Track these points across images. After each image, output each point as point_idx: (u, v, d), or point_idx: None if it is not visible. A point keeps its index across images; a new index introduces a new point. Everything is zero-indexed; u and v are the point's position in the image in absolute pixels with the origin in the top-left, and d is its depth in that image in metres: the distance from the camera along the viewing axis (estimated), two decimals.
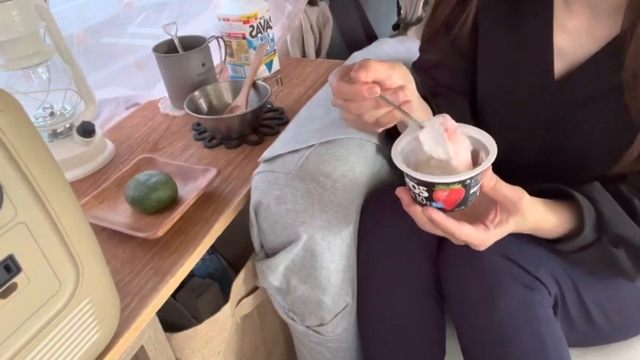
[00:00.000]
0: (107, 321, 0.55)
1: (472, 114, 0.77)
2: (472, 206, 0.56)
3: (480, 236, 0.57)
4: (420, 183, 0.53)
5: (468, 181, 0.52)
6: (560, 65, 0.67)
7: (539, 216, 0.60)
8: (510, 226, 0.58)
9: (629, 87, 0.60)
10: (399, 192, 0.58)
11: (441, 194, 0.53)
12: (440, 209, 0.55)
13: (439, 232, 0.58)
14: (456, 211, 0.55)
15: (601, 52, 0.63)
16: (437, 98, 0.76)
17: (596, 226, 0.61)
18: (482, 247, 0.58)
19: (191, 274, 1.00)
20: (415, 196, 0.56)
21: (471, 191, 0.53)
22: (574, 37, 0.65)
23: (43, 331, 0.48)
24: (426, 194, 0.54)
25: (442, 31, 0.76)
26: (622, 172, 0.64)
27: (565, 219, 0.62)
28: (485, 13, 0.71)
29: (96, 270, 0.52)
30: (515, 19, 0.69)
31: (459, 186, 0.52)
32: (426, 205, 0.55)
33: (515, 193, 0.56)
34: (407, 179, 0.55)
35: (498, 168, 0.56)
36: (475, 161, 0.56)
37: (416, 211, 0.57)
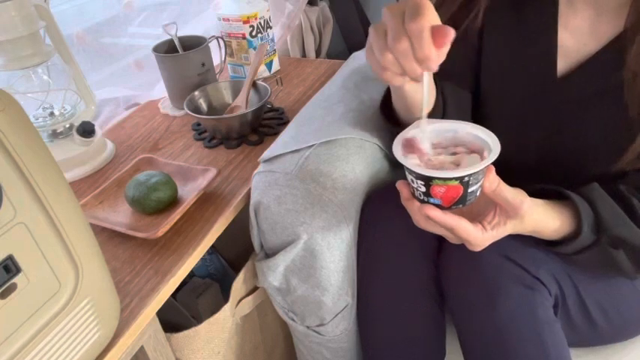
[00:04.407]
0: (107, 321, 0.55)
1: (474, 111, 0.77)
2: (470, 205, 0.56)
3: (478, 235, 0.56)
4: (418, 177, 0.53)
5: (467, 179, 0.52)
6: (563, 63, 0.67)
7: (538, 219, 0.59)
8: (508, 229, 0.58)
9: (629, 85, 0.60)
10: (399, 185, 0.58)
11: (438, 190, 0.53)
12: (437, 206, 0.54)
13: (435, 230, 0.58)
14: (454, 209, 0.55)
15: (603, 51, 0.63)
16: (444, 82, 0.75)
17: (594, 227, 0.61)
18: (478, 248, 0.58)
19: (191, 274, 1.00)
20: (414, 191, 0.56)
21: (470, 190, 0.53)
22: (577, 36, 0.65)
23: (43, 332, 0.48)
24: (423, 189, 0.54)
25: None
26: (622, 171, 0.64)
27: (564, 221, 0.61)
28: (491, 10, 0.71)
29: (96, 270, 0.52)
30: (520, 16, 0.69)
31: (456, 182, 0.52)
32: (423, 200, 0.55)
33: (516, 197, 0.55)
34: (406, 173, 0.55)
35: (499, 166, 0.55)
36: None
37: (413, 207, 0.57)
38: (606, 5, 0.62)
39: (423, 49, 0.46)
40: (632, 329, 0.75)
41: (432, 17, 0.46)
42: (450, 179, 0.51)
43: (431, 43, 0.46)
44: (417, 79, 0.49)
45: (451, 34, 0.47)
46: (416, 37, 0.46)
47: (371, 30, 0.51)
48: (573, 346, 0.69)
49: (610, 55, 0.62)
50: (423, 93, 0.54)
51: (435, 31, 0.46)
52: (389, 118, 0.74)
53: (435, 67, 0.48)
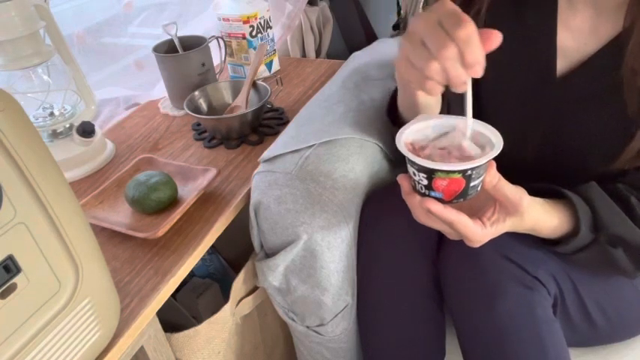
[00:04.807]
0: (107, 321, 0.55)
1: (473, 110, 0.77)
2: (470, 200, 0.56)
3: (477, 231, 0.56)
4: (421, 169, 0.53)
5: (469, 172, 0.51)
6: (563, 63, 0.67)
7: (537, 217, 0.59)
8: (507, 226, 0.58)
9: (628, 84, 0.60)
10: (400, 179, 0.58)
11: (440, 183, 0.53)
12: (438, 199, 0.54)
13: (435, 225, 0.58)
14: (454, 204, 0.55)
15: (603, 50, 0.63)
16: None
17: (592, 226, 0.61)
18: (477, 244, 0.58)
19: (191, 274, 1.00)
20: (415, 184, 0.56)
21: (472, 184, 0.53)
22: (577, 36, 0.65)
23: (43, 332, 0.48)
24: (425, 182, 0.53)
25: None
26: (621, 169, 0.64)
27: (562, 220, 0.62)
28: (491, 9, 0.71)
29: (96, 270, 0.52)
30: (519, 16, 0.69)
31: (459, 176, 0.52)
32: (424, 194, 0.55)
33: (516, 193, 0.55)
34: (408, 165, 0.55)
35: (499, 165, 0.55)
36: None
37: (413, 200, 0.57)
38: (606, 5, 0.62)
39: (475, 54, 0.46)
40: (632, 329, 0.75)
41: (473, 23, 0.46)
42: (453, 172, 0.51)
43: (481, 47, 0.46)
44: (459, 88, 0.49)
45: (499, 36, 0.47)
46: (465, 43, 0.46)
47: (404, 42, 0.50)
48: (572, 346, 0.69)
49: (610, 55, 0.62)
50: (466, 100, 0.53)
51: (482, 35, 0.47)
52: (395, 123, 0.74)
53: (482, 72, 0.48)
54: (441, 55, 0.46)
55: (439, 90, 0.51)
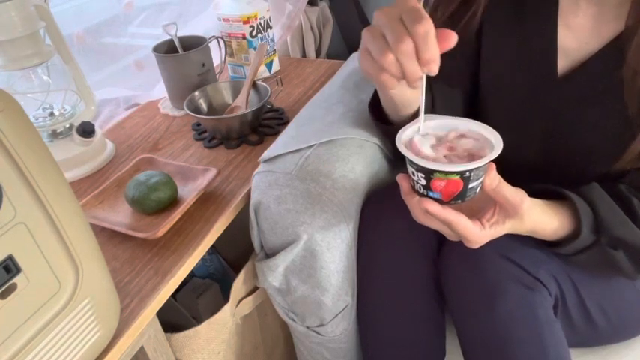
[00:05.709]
0: (107, 321, 0.55)
1: (467, 111, 0.77)
2: (469, 202, 0.56)
3: (475, 232, 0.56)
4: (419, 169, 0.53)
5: (467, 174, 0.52)
6: (564, 63, 0.67)
7: (537, 219, 0.59)
8: (506, 228, 0.58)
9: (629, 84, 0.60)
10: (399, 179, 0.58)
11: (438, 184, 0.53)
12: (436, 200, 0.54)
13: (433, 225, 0.58)
14: (452, 205, 0.55)
15: (604, 50, 0.63)
16: (432, 82, 0.74)
17: (593, 228, 0.61)
18: (475, 245, 0.58)
19: (191, 274, 1.00)
20: (414, 184, 0.56)
21: (470, 186, 0.53)
22: (579, 35, 0.65)
23: (43, 332, 0.48)
24: (423, 182, 0.54)
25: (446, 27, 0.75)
26: (622, 170, 0.64)
27: (563, 222, 0.61)
28: (490, 9, 0.71)
29: (96, 270, 0.52)
30: (520, 16, 0.69)
31: (457, 177, 0.52)
32: (423, 194, 0.55)
33: (516, 196, 0.55)
34: (408, 165, 0.55)
35: (499, 165, 0.55)
36: (480, 158, 0.56)
37: (412, 201, 0.57)
38: (609, 3, 0.62)
39: (430, 51, 0.46)
40: (632, 329, 0.75)
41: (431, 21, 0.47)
42: (451, 173, 0.51)
43: (437, 44, 0.47)
44: (413, 83, 0.49)
45: (455, 38, 0.47)
46: (422, 39, 0.46)
47: (365, 33, 0.50)
48: (573, 346, 0.69)
49: (611, 54, 0.62)
50: (420, 97, 0.54)
51: (439, 34, 0.47)
52: (379, 119, 0.74)
53: (437, 70, 0.48)
54: (397, 47, 0.47)
55: (393, 83, 0.51)
